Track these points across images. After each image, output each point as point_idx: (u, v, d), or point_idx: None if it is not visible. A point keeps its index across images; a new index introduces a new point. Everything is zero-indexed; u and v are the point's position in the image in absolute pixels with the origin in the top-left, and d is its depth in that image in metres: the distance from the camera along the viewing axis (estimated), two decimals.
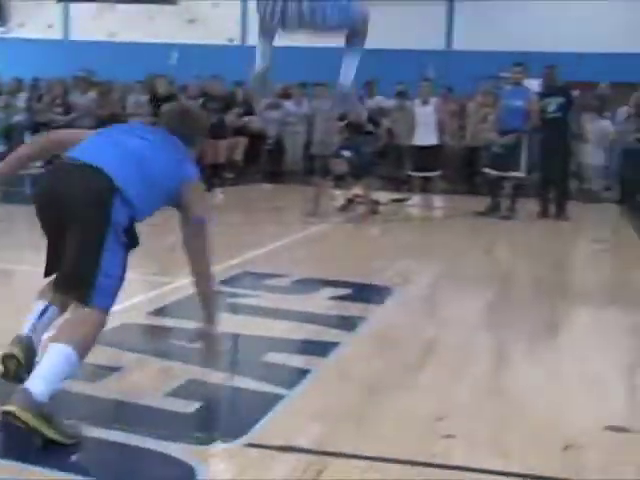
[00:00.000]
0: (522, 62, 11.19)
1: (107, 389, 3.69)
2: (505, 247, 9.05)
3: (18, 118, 16.26)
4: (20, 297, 5.64)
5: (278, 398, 3.63)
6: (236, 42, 18.37)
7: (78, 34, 18.84)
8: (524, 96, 10.96)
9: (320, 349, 4.47)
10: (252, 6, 17.91)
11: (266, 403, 3.57)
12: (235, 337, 4.80)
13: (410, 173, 12.63)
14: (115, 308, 5.14)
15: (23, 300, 5.30)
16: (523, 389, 3.98)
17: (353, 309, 5.47)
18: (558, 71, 11.35)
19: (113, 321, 4.79)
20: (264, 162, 15.97)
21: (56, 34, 18.89)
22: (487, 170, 11.33)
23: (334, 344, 4.57)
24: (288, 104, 15.31)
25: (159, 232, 8.91)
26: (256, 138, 15.44)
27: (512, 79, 11.21)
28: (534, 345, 4.86)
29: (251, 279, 6.50)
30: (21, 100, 16.58)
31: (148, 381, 3.84)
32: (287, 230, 9.19)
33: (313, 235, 8.79)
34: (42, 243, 3.39)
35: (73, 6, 18.73)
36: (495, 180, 11.17)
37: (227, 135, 13.17)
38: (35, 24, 18.53)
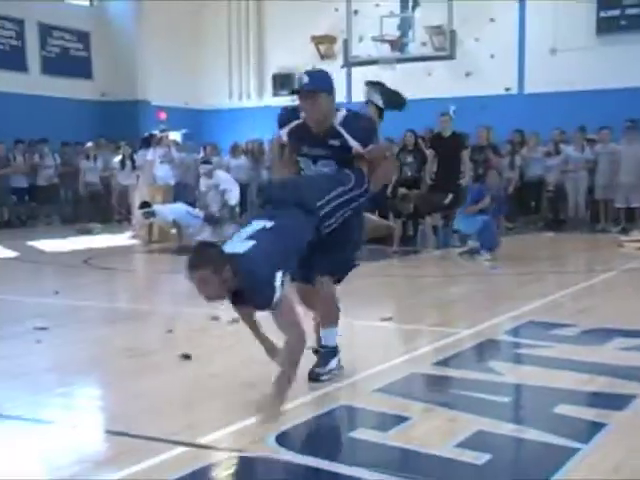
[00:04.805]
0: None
1: (396, 438, 3.73)
2: None
3: None
4: None
5: (572, 452, 3.49)
6: (513, 91, 18.27)
7: (359, 96, 19.62)
8: None
9: (615, 402, 4.24)
10: (529, 54, 17.86)
11: (559, 457, 3.44)
12: (523, 388, 4.69)
13: None
14: (402, 358, 5.28)
15: None
16: None
17: None
18: None
19: (401, 371, 4.91)
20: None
21: (339, 98, 19.79)
22: None
23: (630, 397, 4.31)
24: None
25: (445, 284, 9.03)
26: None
27: None
28: None
29: (537, 329, 6.32)
30: None
31: (437, 431, 3.83)
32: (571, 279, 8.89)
33: (599, 283, 8.41)
34: None
35: (354, 70, 19.55)
36: None
37: None
38: None
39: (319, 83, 4.62)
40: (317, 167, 4.69)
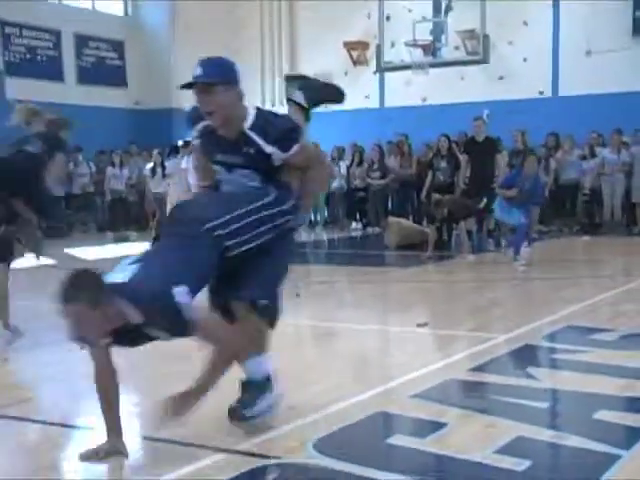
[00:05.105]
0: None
1: (435, 444, 3.70)
2: None
3: (335, 184, 17.36)
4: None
5: (614, 458, 3.45)
6: (547, 94, 18.14)
7: (392, 101, 19.65)
8: None
9: None
10: (563, 56, 17.71)
11: (601, 463, 3.41)
12: (562, 394, 4.65)
13: None
14: (439, 364, 5.25)
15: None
16: None
17: None
18: None
19: (438, 377, 4.89)
20: None
21: (372, 103, 19.82)
22: None
23: None
24: None
25: (480, 289, 8.97)
26: None
27: None
28: None
29: (575, 334, 6.27)
30: (342, 167, 17.66)
31: (475, 437, 3.81)
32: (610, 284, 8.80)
33: (637, 287, 8.31)
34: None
35: (387, 75, 19.57)
36: None
37: None
38: (354, 95, 19.67)
39: (214, 74, 3.70)
40: (233, 176, 3.85)
